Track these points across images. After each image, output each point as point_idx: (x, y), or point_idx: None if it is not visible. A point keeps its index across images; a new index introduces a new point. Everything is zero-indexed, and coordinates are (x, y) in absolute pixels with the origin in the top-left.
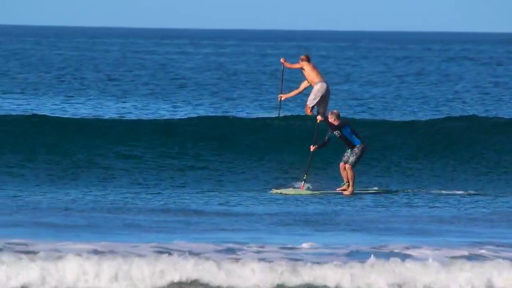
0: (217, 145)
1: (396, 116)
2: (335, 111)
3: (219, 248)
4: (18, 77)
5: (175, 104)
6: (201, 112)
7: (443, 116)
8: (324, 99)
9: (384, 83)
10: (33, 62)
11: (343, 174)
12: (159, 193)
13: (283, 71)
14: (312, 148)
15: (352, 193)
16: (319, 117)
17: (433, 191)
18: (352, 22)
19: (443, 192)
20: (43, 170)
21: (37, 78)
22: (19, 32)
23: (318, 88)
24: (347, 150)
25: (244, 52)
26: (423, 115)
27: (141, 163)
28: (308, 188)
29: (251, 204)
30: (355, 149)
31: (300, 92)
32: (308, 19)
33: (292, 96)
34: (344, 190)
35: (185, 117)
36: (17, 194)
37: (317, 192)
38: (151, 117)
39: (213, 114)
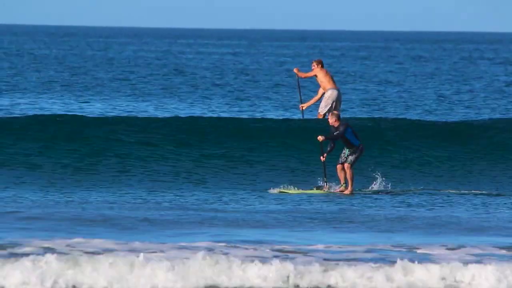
0: (236, 143)
1: (412, 115)
2: (335, 112)
3: (235, 247)
4: (35, 76)
5: (192, 103)
6: (218, 111)
7: (459, 116)
8: (335, 106)
9: (399, 82)
10: (49, 61)
11: (340, 175)
12: (176, 190)
13: (298, 81)
14: (322, 159)
15: (352, 193)
16: (320, 137)
17: (451, 191)
18: (351, 22)
19: (462, 191)
20: (60, 163)
21: (54, 77)
22: (26, 31)
23: (329, 95)
24: (344, 151)
25: (258, 52)
26: (440, 114)
27: (158, 160)
28: (330, 188)
29: (269, 203)
30: (355, 148)
31: (320, 98)
32: (312, 19)
33: (313, 104)
34: (341, 191)
35: (202, 115)
36: (35, 191)
37: (321, 191)
38: (166, 115)
39: (230, 113)
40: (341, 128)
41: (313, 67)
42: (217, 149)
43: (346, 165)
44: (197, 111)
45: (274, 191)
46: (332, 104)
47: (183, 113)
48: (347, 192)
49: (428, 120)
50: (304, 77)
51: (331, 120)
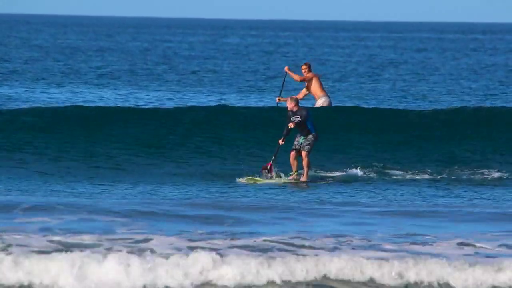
0: (247, 135)
1: (431, 105)
2: (294, 97)
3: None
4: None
5: (202, 94)
6: (232, 102)
7: (480, 105)
8: None
9: (427, 74)
10: (75, 52)
11: (293, 163)
12: (187, 185)
13: (285, 78)
14: (281, 142)
15: (307, 180)
16: (280, 141)
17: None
18: (350, 14)
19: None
20: (78, 160)
21: (74, 68)
22: (39, 21)
23: (322, 103)
24: (298, 138)
25: (267, 42)
26: (460, 104)
27: (168, 155)
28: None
29: (286, 194)
30: (310, 136)
31: (301, 98)
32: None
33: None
34: (294, 179)
35: (214, 104)
36: (54, 187)
37: (282, 180)
38: (180, 104)
39: (242, 103)
40: (304, 113)
41: (304, 71)
42: (230, 146)
43: (303, 153)
44: (209, 100)
45: (242, 180)
46: None
47: (180, 105)
48: (303, 179)
49: (447, 108)
50: (299, 80)
51: (291, 105)
